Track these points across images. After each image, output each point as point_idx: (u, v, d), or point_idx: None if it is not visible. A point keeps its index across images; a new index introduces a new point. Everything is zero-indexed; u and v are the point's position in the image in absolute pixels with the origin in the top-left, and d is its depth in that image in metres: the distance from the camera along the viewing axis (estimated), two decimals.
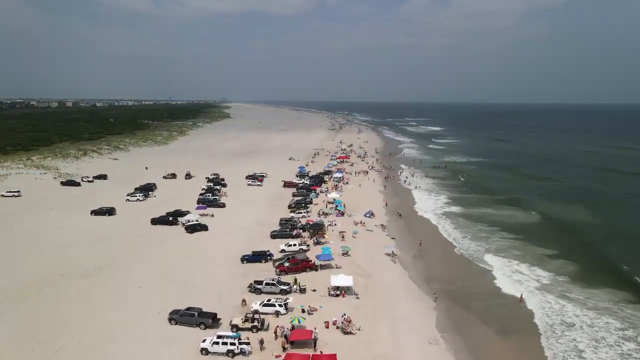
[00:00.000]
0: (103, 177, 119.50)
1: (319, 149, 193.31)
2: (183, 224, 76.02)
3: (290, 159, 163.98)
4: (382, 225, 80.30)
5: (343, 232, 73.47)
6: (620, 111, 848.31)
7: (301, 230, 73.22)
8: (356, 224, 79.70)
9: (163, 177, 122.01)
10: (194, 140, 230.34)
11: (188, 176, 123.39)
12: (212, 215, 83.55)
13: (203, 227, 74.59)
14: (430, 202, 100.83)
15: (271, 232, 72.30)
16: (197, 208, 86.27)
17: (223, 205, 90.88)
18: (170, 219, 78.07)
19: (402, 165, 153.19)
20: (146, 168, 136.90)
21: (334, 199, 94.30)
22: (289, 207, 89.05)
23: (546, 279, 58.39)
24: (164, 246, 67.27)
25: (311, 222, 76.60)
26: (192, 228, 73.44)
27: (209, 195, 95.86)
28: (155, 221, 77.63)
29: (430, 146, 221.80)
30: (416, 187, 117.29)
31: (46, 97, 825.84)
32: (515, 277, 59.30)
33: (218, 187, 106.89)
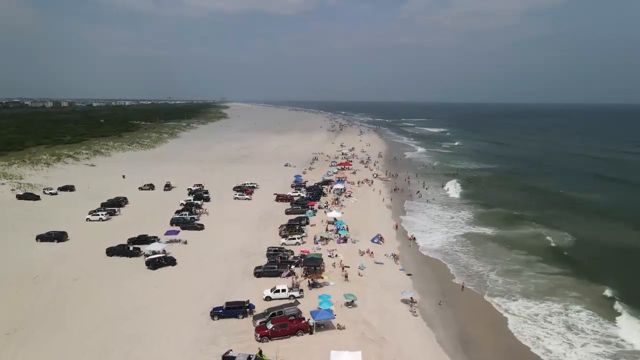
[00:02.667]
0: (70, 188, 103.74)
1: (318, 154, 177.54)
2: (146, 256, 60.52)
3: (286, 165, 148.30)
4: (393, 255, 64.86)
5: (346, 267, 58.11)
6: (621, 111, 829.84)
7: (293, 267, 57.68)
8: (362, 253, 64.40)
9: (139, 188, 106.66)
10: (184, 143, 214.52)
11: (168, 187, 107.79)
12: (186, 242, 67.86)
13: (170, 262, 58.81)
14: (448, 221, 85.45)
15: (255, 269, 56.68)
16: (167, 233, 69.55)
17: (201, 227, 75.24)
18: (131, 248, 62.56)
19: (410, 173, 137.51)
20: (123, 177, 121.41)
21: (335, 219, 78.81)
22: (280, 233, 72.83)
23: (627, 340, 43.01)
24: (114, 290, 51.68)
25: (306, 254, 61.11)
26: (155, 263, 57.71)
27: (185, 214, 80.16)
28: (111, 251, 61.91)
29: (436, 150, 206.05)
30: (428, 201, 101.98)
31: (45, 97, 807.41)
32: (579, 337, 43.87)
33: (199, 202, 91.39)
